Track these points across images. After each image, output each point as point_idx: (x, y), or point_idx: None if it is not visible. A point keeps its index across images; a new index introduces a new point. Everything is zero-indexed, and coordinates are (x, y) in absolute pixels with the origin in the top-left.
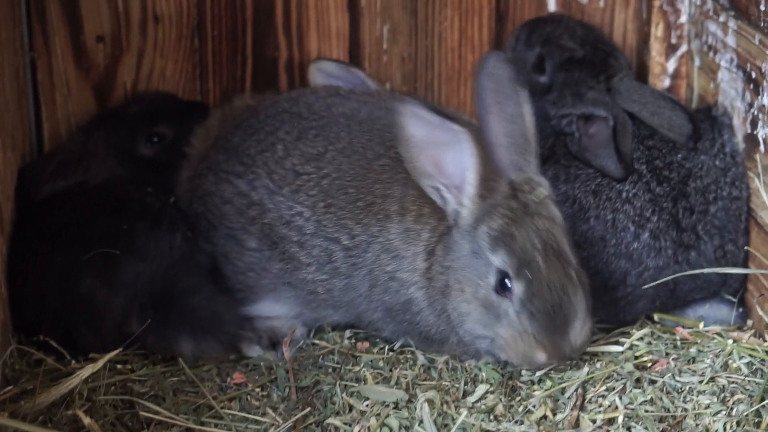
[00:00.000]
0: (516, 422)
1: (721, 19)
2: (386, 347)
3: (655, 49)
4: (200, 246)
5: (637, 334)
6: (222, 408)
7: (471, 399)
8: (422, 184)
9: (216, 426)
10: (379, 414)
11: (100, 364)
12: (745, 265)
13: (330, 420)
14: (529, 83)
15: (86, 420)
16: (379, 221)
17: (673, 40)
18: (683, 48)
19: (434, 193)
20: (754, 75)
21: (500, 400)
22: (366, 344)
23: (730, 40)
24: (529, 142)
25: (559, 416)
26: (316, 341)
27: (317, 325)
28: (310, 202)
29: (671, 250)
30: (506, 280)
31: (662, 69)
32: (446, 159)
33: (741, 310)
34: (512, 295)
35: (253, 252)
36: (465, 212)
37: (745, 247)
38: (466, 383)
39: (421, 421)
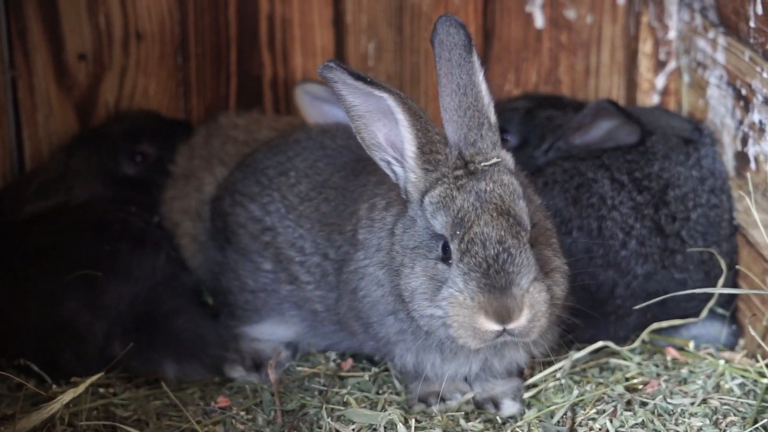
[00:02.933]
0: None
1: (710, 35)
2: (372, 369)
3: (644, 65)
4: (211, 256)
5: None
6: None
7: (462, 425)
8: (375, 158)
9: None
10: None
11: (81, 388)
12: (734, 279)
13: None
14: None
15: None
16: (353, 223)
17: (662, 57)
18: (672, 64)
19: (386, 167)
20: (744, 92)
21: (490, 425)
22: (350, 361)
23: (720, 56)
24: (483, 114)
25: None
26: (302, 363)
27: (320, 347)
28: (309, 224)
29: (657, 256)
30: (448, 245)
31: (651, 85)
32: (385, 129)
33: (734, 327)
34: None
35: (268, 273)
36: (410, 185)
37: (736, 266)
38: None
39: None
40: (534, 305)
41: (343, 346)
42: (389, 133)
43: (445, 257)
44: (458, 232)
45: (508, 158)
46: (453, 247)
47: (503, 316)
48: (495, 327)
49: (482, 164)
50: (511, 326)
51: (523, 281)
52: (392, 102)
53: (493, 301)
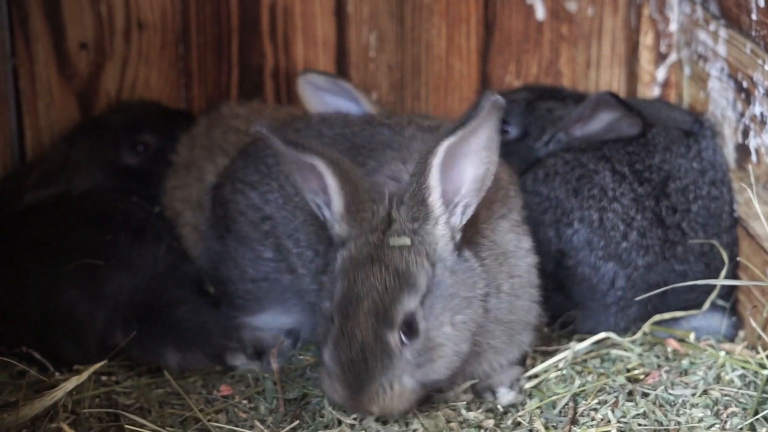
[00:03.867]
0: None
1: (712, 27)
2: None
3: (645, 57)
4: (210, 245)
5: None
6: (209, 420)
7: (463, 415)
8: (306, 198)
9: None
10: (369, 428)
11: (84, 376)
12: (734, 271)
13: (321, 430)
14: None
15: None
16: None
17: (663, 49)
18: (673, 57)
19: (316, 209)
20: (745, 84)
21: (491, 414)
22: None
23: (721, 49)
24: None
25: (551, 430)
26: (303, 352)
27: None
28: (302, 217)
29: (658, 247)
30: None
31: (651, 78)
32: (315, 180)
33: (734, 318)
34: None
35: (269, 262)
36: (334, 232)
37: (737, 258)
38: (454, 404)
39: None
40: (386, 403)
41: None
42: (317, 184)
43: (332, 320)
44: (337, 317)
45: (436, 233)
46: (334, 324)
47: (354, 406)
48: (346, 406)
49: (391, 243)
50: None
51: (372, 388)
52: (323, 168)
53: (347, 396)
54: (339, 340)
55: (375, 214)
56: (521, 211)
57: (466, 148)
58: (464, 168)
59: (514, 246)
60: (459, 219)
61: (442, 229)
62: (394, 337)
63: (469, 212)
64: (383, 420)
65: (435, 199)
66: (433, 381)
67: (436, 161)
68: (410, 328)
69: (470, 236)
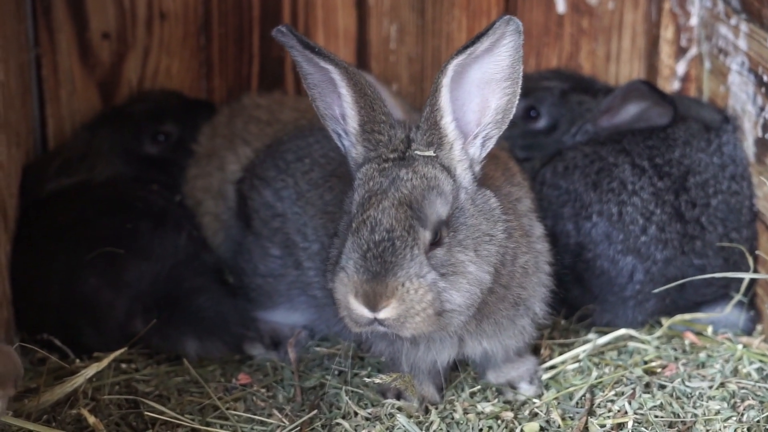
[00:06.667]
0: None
1: (732, 22)
2: None
3: (665, 51)
4: (233, 235)
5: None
6: (227, 409)
7: (480, 407)
8: (328, 129)
9: (221, 427)
10: (388, 415)
11: (104, 363)
12: (754, 265)
13: (338, 420)
14: (524, 136)
15: (91, 419)
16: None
17: (683, 43)
18: (693, 51)
19: (337, 139)
20: (765, 79)
21: (509, 405)
22: None
23: (742, 43)
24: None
25: (568, 421)
26: (321, 343)
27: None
28: (312, 212)
29: (677, 241)
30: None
31: (671, 72)
32: (333, 101)
33: (752, 312)
34: None
35: (276, 259)
36: (351, 160)
37: (756, 252)
38: (473, 395)
39: (429, 427)
40: (406, 300)
41: (347, 333)
42: (336, 106)
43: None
44: (357, 211)
45: (452, 157)
46: (352, 225)
47: (370, 301)
48: (364, 311)
49: (416, 152)
50: (379, 315)
51: (399, 273)
52: (337, 75)
53: (364, 283)
54: (360, 228)
55: (392, 139)
56: (533, 200)
57: (485, 74)
58: (486, 97)
59: (528, 228)
60: (479, 150)
61: (459, 154)
62: (426, 235)
63: (490, 145)
64: (402, 413)
65: (447, 122)
66: (452, 303)
67: (446, 81)
68: (436, 236)
69: None
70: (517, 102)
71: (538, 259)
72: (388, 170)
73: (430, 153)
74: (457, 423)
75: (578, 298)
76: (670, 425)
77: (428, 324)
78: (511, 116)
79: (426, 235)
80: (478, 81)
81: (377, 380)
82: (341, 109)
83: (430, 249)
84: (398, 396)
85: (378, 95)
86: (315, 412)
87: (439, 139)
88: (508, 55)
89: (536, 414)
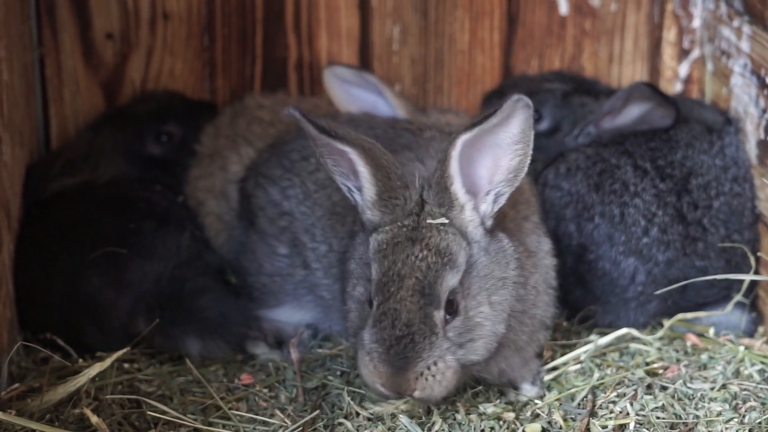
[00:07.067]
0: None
1: (735, 24)
2: None
3: (667, 53)
4: (236, 235)
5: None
6: (230, 408)
7: (482, 407)
8: (336, 181)
9: (224, 427)
10: (390, 416)
11: (107, 362)
12: (756, 263)
13: (340, 420)
14: None
15: (94, 419)
16: (353, 215)
17: (686, 45)
18: (696, 53)
19: (347, 191)
20: None
21: (511, 407)
22: None
23: (744, 45)
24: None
25: (570, 422)
26: (324, 343)
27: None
28: (320, 212)
29: (679, 243)
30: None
31: (674, 73)
32: (346, 165)
33: (754, 314)
34: None
35: (283, 258)
36: (365, 218)
37: (758, 253)
38: (475, 395)
39: (431, 427)
40: (428, 385)
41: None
42: (349, 169)
43: (370, 303)
44: (378, 297)
45: (464, 218)
46: (374, 305)
47: (396, 391)
48: (391, 393)
49: (429, 220)
50: (407, 396)
51: (420, 365)
52: (354, 156)
53: (389, 375)
54: (381, 320)
55: (408, 200)
56: (540, 213)
57: (495, 141)
58: (498, 158)
59: (536, 246)
60: (490, 207)
61: (470, 214)
62: (440, 315)
63: (502, 201)
64: (407, 412)
65: (457, 188)
66: (472, 362)
67: (454, 153)
68: (451, 306)
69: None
70: (529, 162)
71: (548, 275)
72: (402, 246)
73: (443, 220)
74: (459, 423)
75: (580, 300)
76: (672, 426)
77: (454, 386)
78: (524, 174)
79: (440, 315)
80: (490, 146)
81: (374, 411)
82: (356, 177)
83: (448, 321)
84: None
85: (392, 161)
86: (317, 412)
87: (450, 202)
88: (518, 125)
89: (538, 415)
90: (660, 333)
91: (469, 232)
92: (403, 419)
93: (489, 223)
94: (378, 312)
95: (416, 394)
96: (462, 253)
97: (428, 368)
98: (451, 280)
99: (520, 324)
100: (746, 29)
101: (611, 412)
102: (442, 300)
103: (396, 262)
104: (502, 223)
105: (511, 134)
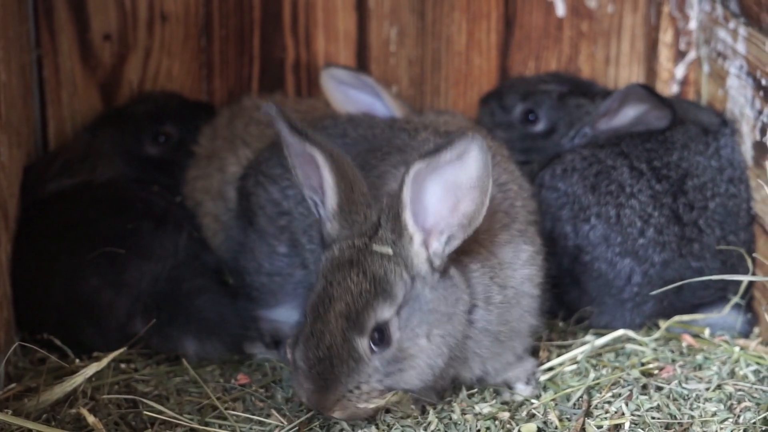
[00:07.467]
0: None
1: (731, 25)
2: None
3: (664, 55)
4: (234, 235)
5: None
6: (226, 408)
7: (477, 407)
8: (305, 195)
9: (220, 427)
10: (382, 419)
11: (104, 362)
12: (750, 265)
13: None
14: (522, 139)
15: (90, 418)
16: None
17: (682, 47)
18: (692, 54)
19: (313, 206)
20: (764, 82)
21: (506, 406)
22: None
23: (740, 47)
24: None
25: (565, 422)
26: None
27: None
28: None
29: (675, 244)
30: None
31: (670, 75)
32: (312, 174)
33: (749, 315)
34: None
35: (283, 257)
36: (325, 233)
37: (753, 254)
38: (470, 396)
39: (427, 427)
40: (349, 407)
41: None
42: (315, 178)
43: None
44: (309, 317)
45: (411, 249)
46: (305, 325)
47: (317, 408)
48: (307, 404)
49: (374, 247)
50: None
51: (339, 389)
52: (321, 160)
53: (311, 392)
54: (308, 339)
55: (367, 218)
56: (527, 217)
57: (455, 178)
58: (457, 199)
59: (511, 257)
60: (442, 247)
61: (418, 248)
62: (363, 344)
63: (454, 244)
64: (399, 413)
65: (407, 217)
66: (404, 389)
67: (408, 179)
68: (382, 337)
69: (466, 245)
70: (485, 211)
71: (524, 285)
72: (342, 268)
73: (388, 251)
74: (455, 423)
75: (576, 300)
76: (667, 427)
77: (382, 405)
78: (478, 224)
79: (364, 342)
80: (448, 183)
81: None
82: (321, 188)
83: (376, 351)
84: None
85: (358, 176)
86: (313, 412)
87: (400, 230)
88: (476, 167)
89: (534, 415)
90: (656, 335)
91: (415, 266)
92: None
93: (438, 263)
94: (306, 331)
95: (336, 414)
96: (401, 286)
97: (350, 391)
98: (381, 309)
99: (484, 340)
100: (742, 31)
101: (607, 412)
102: (368, 328)
103: (332, 284)
104: (472, 236)
105: (469, 176)
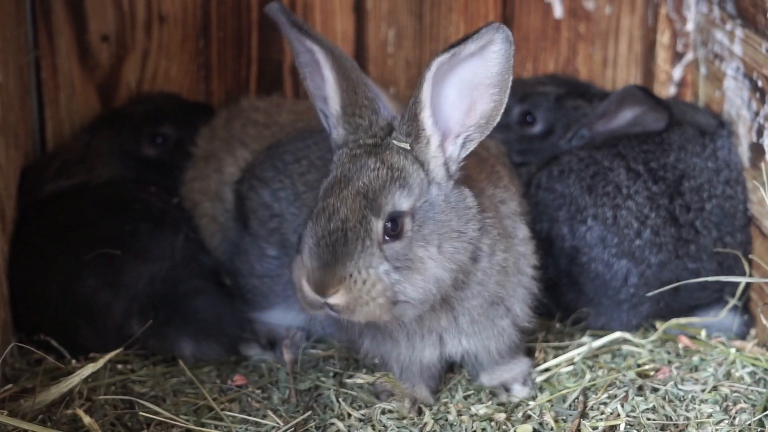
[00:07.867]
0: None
1: (728, 27)
2: None
3: (661, 56)
4: (231, 236)
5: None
6: (222, 409)
7: (474, 408)
8: (316, 109)
9: (216, 428)
10: (378, 422)
11: (100, 363)
12: (747, 266)
13: (332, 421)
14: (520, 140)
15: (86, 419)
16: None
17: (679, 48)
18: (689, 56)
19: (323, 119)
20: (760, 84)
21: (502, 407)
22: None
23: (737, 48)
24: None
25: (561, 423)
26: (317, 344)
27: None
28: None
29: (671, 245)
30: None
31: (668, 77)
32: (318, 82)
33: (746, 317)
34: None
35: (272, 259)
36: (332, 142)
37: (749, 256)
38: (467, 397)
39: (423, 428)
40: (353, 290)
41: (341, 336)
42: (320, 86)
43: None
44: (321, 197)
45: (428, 152)
46: (314, 211)
47: (319, 288)
48: (314, 295)
49: (393, 141)
50: (328, 301)
51: (348, 264)
52: (321, 56)
53: (315, 270)
54: (320, 214)
55: (373, 124)
56: (521, 203)
57: (474, 77)
58: (474, 100)
59: (511, 230)
60: (458, 151)
61: (435, 151)
62: (378, 225)
63: (470, 147)
64: (395, 414)
65: (426, 116)
66: (404, 299)
67: (429, 75)
68: (395, 227)
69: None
70: (503, 110)
71: (520, 261)
72: (359, 157)
73: (406, 145)
74: (451, 424)
75: (573, 302)
76: (663, 428)
77: (380, 312)
78: (495, 123)
79: (379, 224)
80: (466, 82)
81: (359, 380)
82: (325, 90)
83: (388, 241)
84: (392, 394)
85: (363, 79)
86: (309, 413)
87: (417, 132)
88: (497, 62)
89: (529, 416)
90: (653, 337)
91: (431, 170)
92: (394, 420)
93: (453, 168)
94: (317, 208)
95: (338, 298)
96: (417, 180)
97: (358, 272)
98: (399, 197)
99: (475, 296)
100: (739, 32)
101: (602, 413)
102: (384, 212)
103: (348, 170)
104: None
105: (490, 72)
